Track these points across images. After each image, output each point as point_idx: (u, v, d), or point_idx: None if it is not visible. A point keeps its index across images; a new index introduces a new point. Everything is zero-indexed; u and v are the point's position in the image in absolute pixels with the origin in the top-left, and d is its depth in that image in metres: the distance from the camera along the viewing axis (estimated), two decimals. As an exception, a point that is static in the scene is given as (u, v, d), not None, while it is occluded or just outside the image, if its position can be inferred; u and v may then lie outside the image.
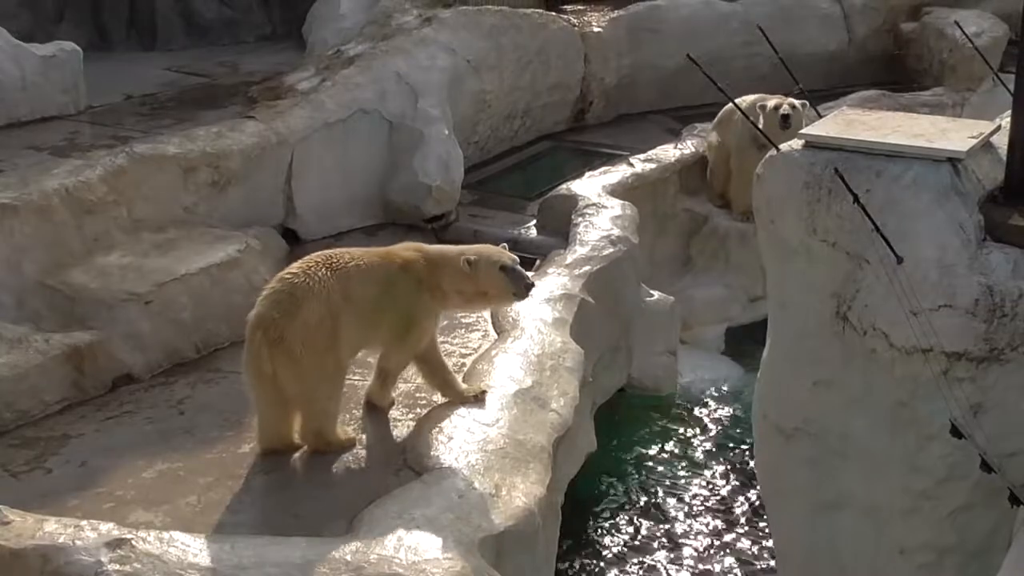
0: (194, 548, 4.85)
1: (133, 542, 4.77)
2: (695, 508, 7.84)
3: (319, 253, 6.11)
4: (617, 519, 7.66)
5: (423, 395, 6.71)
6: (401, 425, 6.40)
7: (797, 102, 9.64)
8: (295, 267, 5.99)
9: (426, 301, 6.15)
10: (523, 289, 6.14)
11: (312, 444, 6.14)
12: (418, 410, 6.54)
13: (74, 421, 6.71)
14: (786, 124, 9.75)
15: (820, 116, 5.98)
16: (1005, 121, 5.49)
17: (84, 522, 4.89)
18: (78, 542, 4.73)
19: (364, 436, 6.30)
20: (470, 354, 7.21)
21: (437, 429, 5.95)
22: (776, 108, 9.87)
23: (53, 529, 4.82)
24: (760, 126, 9.92)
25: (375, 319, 6.10)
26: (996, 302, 4.99)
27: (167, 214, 8.39)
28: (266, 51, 12.52)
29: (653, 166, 10.45)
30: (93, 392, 6.99)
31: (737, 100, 7.78)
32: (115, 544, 4.73)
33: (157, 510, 5.70)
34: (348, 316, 5.91)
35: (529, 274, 6.26)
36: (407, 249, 6.27)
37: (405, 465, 5.94)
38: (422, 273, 6.13)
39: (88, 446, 6.40)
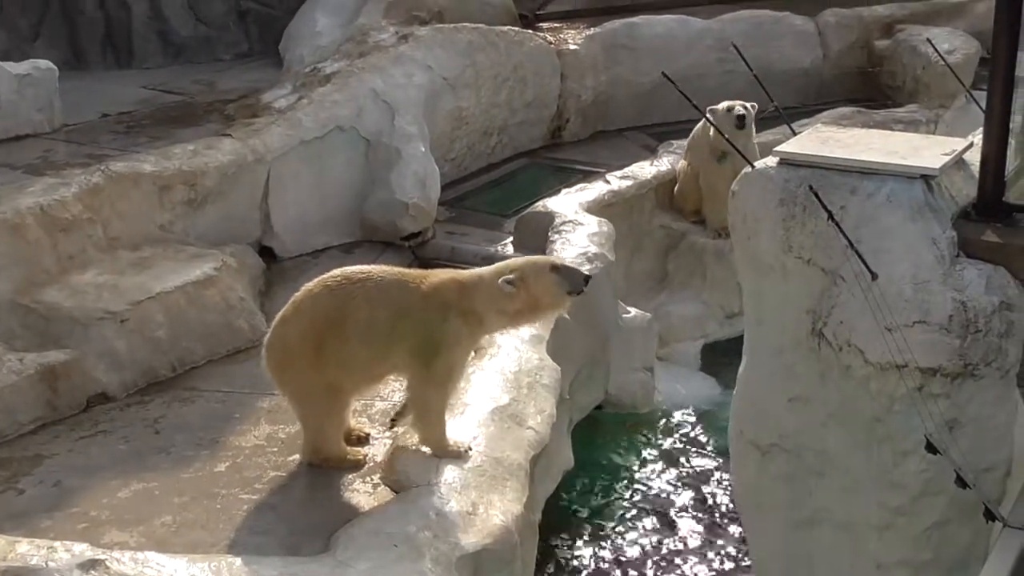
0: (169, 568, 4.83)
1: (107, 563, 4.75)
2: (672, 525, 7.83)
3: (346, 268, 5.93)
4: (595, 536, 7.65)
5: (400, 413, 6.70)
6: (378, 443, 6.39)
7: (749, 105, 9.75)
8: (311, 282, 5.96)
9: (455, 327, 5.68)
10: (580, 282, 5.70)
11: (308, 457, 6.15)
12: (395, 428, 6.52)
13: (48, 441, 6.66)
14: (741, 124, 9.79)
15: (795, 133, 6.01)
16: (977, 138, 5.53)
17: (57, 543, 4.85)
18: (51, 563, 4.69)
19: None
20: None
21: (414, 447, 5.93)
22: (729, 109, 9.89)
23: (26, 550, 4.78)
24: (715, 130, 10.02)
25: (387, 344, 5.74)
26: (970, 318, 5.02)
27: (143, 232, 8.34)
28: (242, 69, 12.48)
29: (629, 183, 10.45)
30: (67, 411, 6.94)
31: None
32: (89, 565, 4.70)
33: (132, 530, 5.66)
34: (339, 335, 5.74)
35: (584, 268, 5.84)
36: (441, 273, 5.89)
37: (382, 483, 5.93)
38: (451, 297, 5.70)
39: (62, 466, 6.36)
